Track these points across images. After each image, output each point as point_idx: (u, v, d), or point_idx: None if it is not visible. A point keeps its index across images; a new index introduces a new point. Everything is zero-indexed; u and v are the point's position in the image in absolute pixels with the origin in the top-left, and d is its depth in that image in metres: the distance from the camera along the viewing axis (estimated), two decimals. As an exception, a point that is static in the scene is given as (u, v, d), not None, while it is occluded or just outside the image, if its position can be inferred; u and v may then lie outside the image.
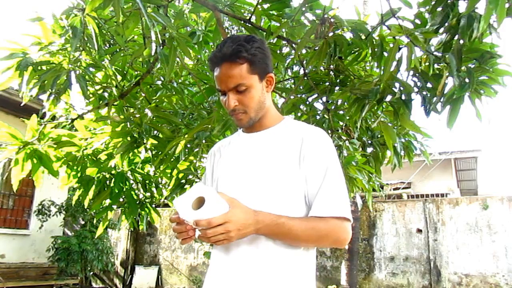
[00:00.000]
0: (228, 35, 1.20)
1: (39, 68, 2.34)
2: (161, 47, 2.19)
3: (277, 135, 1.21)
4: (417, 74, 2.12)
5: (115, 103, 2.76)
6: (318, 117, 2.84)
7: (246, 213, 1.04)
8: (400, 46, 1.99)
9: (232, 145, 1.30)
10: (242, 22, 2.40)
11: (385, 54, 2.09)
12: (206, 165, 1.38)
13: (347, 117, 2.64)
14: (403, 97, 2.14)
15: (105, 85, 2.86)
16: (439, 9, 1.90)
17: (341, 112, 2.78)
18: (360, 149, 2.99)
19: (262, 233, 1.06)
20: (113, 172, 2.85)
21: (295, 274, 1.09)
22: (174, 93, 2.87)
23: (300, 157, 1.14)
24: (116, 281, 10.43)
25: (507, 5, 1.52)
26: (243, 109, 1.17)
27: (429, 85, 2.11)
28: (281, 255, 1.09)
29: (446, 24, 1.90)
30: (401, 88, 2.13)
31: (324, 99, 2.67)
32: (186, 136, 2.47)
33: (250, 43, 1.13)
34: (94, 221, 7.72)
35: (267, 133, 1.23)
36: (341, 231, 1.11)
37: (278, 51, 2.73)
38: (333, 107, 2.76)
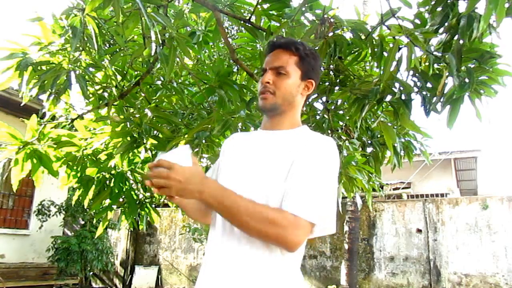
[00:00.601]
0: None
1: (39, 68, 2.34)
2: (161, 47, 2.19)
3: (288, 139, 1.19)
4: (417, 74, 2.12)
5: (115, 103, 2.76)
6: (318, 117, 2.84)
7: (196, 173, 1.02)
8: (400, 46, 1.99)
9: (247, 137, 1.31)
10: (242, 22, 2.41)
11: (385, 54, 2.10)
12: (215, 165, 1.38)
13: (347, 117, 2.64)
14: (403, 97, 2.14)
15: (105, 85, 2.86)
16: (439, 9, 1.90)
17: (341, 112, 2.79)
18: (360, 149, 2.99)
19: (204, 198, 1.01)
20: (113, 172, 2.85)
21: (271, 279, 1.06)
22: (174, 93, 2.87)
23: (293, 159, 1.12)
24: (116, 281, 10.43)
25: (506, 5, 1.52)
26: (274, 89, 1.20)
27: (429, 85, 2.11)
28: (258, 259, 1.06)
29: (446, 24, 1.90)
30: (401, 88, 2.13)
31: (324, 99, 2.68)
32: (186, 136, 2.47)
33: (308, 48, 1.24)
34: (94, 221, 7.71)
35: (281, 134, 1.22)
36: (290, 228, 1.01)
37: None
38: (333, 107, 2.76)
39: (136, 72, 2.97)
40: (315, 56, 1.26)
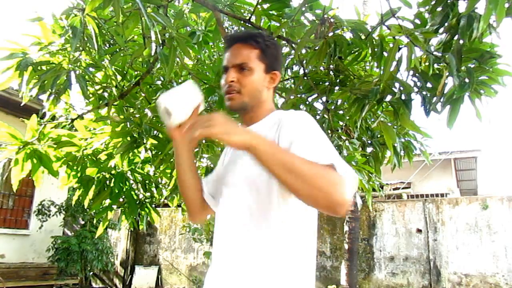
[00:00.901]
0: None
1: (39, 68, 2.34)
2: (161, 47, 2.19)
3: (263, 127, 1.17)
4: (417, 74, 2.12)
5: (115, 103, 2.76)
6: (318, 117, 2.84)
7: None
8: (400, 46, 1.99)
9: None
10: (242, 22, 2.41)
11: (385, 54, 2.10)
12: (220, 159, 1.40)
13: (347, 117, 2.64)
14: (403, 97, 2.14)
15: (105, 85, 2.86)
16: (439, 9, 1.90)
17: (341, 112, 2.79)
18: (360, 149, 2.99)
19: (255, 144, 0.92)
20: (113, 172, 2.85)
21: (286, 277, 1.03)
22: (174, 93, 2.86)
23: (277, 136, 1.09)
24: (116, 281, 10.43)
25: (506, 5, 1.52)
26: (239, 88, 1.15)
27: (429, 85, 2.11)
28: (274, 258, 1.03)
29: (446, 24, 1.90)
30: (401, 88, 2.13)
31: (324, 99, 2.67)
32: (186, 136, 2.46)
33: (266, 38, 1.19)
34: (94, 221, 7.72)
35: (256, 126, 1.20)
36: (335, 182, 0.90)
37: (278, 51, 2.73)
38: (333, 107, 2.76)
39: (136, 72, 2.97)
40: (276, 46, 1.22)
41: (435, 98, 2.03)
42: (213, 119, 0.94)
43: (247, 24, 2.38)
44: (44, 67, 2.35)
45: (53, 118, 2.85)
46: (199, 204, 1.32)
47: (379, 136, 3.03)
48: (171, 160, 2.66)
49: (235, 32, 1.20)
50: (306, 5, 2.23)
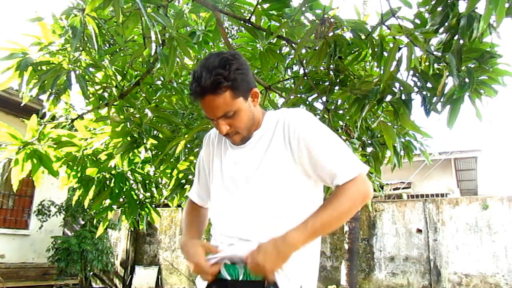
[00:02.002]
0: (208, 57, 1.15)
1: (39, 68, 2.34)
2: (161, 47, 2.19)
3: (265, 131, 1.24)
4: (417, 74, 2.12)
5: (115, 103, 2.76)
6: (318, 116, 2.84)
7: (273, 241, 1.08)
8: (400, 46, 1.99)
9: (223, 151, 1.31)
10: (242, 22, 2.41)
11: (385, 54, 2.10)
12: (202, 153, 1.40)
13: (347, 117, 2.64)
14: (403, 97, 2.14)
15: (105, 85, 2.86)
16: (439, 9, 1.90)
17: (341, 112, 2.78)
18: (360, 149, 2.99)
19: (304, 243, 1.09)
20: (113, 172, 2.85)
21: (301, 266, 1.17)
22: (174, 93, 2.87)
23: (285, 143, 1.18)
24: (116, 281, 10.42)
25: (506, 5, 1.52)
26: (235, 131, 1.19)
27: (429, 85, 2.11)
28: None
29: (446, 24, 1.90)
30: (401, 88, 2.13)
31: (324, 99, 2.67)
32: (186, 136, 2.47)
33: (227, 68, 1.10)
34: (94, 221, 7.71)
35: (258, 133, 1.25)
36: (362, 187, 1.13)
37: (278, 51, 2.73)
38: (333, 107, 2.76)
39: (136, 72, 2.97)
40: (238, 67, 1.13)
41: (435, 98, 2.03)
42: (260, 262, 1.05)
43: (247, 24, 2.38)
44: (44, 67, 2.35)
45: (53, 118, 2.85)
46: (204, 199, 1.45)
47: (379, 136, 3.03)
48: (171, 160, 2.66)
49: (195, 82, 1.13)
50: (306, 5, 2.23)
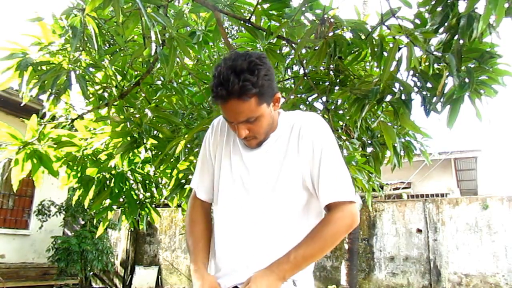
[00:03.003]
0: (229, 58, 1.09)
1: (39, 68, 2.34)
2: (161, 47, 2.19)
3: (280, 134, 1.23)
4: (417, 74, 2.12)
5: (115, 103, 2.76)
6: (318, 117, 2.83)
7: (258, 276, 1.10)
8: (400, 46, 1.99)
9: (233, 149, 1.28)
10: (242, 22, 2.41)
11: (385, 54, 2.09)
12: (209, 142, 1.34)
13: (347, 117, 2.64)
14: (403, 97, 2.14)
15: (105, 85, 2.86)
16: (439, 9, 1.90)
17: (341, 112, 2.79)
18: (360, 149, 2.99)
19: (290, 275, 1.11)
20: (113, 172, 2.85)
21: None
22: (174, 93, 2.87)
23: (298, 152, 1.19)
24: (116, 281, 10.42)
25: (506, 5, 1.52)
26: (254, 135, 1.18)
27: (429, 85, 2.11)
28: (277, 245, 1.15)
29: (446, 24, 1.90)
30: (401, 88, 2.13)
31: (324, 99, 2.67)
32: (186, 136, 2.47)
33: (255, 74, 1.06)
34: (94, 221, 7.71)
35: (274, 135, 1.23)
36: (347, 218, 1.14)
37: (278, 51, 2.73)
38: (333, 107, 2.76)
39: (136, 72, 2.97)
40: (266, 73, 1.09)
41: (435, 98, 2.03)
42: None
43: (247, 24, 2.38)
44: (44, 67, 2.35)
45: (53, 118, 2.85)
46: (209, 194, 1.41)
47: (379, 136, 3.03)
48: (171, 160, 2.66)
49: (220, 84, 1.06)
50: (306, 5, 2.23)
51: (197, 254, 1.25)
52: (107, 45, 3.23)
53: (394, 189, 12.06)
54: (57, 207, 7.72)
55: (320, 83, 2.66)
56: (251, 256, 1.15)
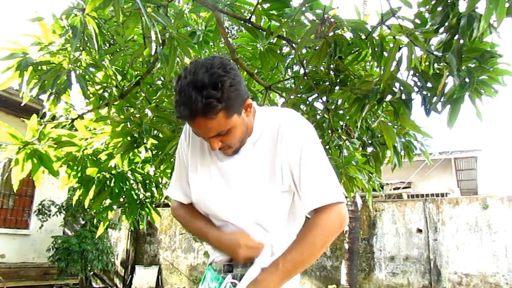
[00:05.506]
0: (191, 69, 1.02)
1: (39, 68, 2.34)
2: (161, 47, 2.19)
3: (258, 137, 1.16)
4: (417, 74, 2.12)
5: (115, 103, 2.76)
6: (318, 116, 2.84)
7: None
8: (400, 46, 1.99)
9: (209, 157, 1.22)
10: (242, 22, 2.41)
11: (385, 54, 2.09)
12: (182, 147, 1.28)
13: (347, 117, 2.64)
14: (403, 97, 2.14)
15: (105, 85, 2.86)
16: (439, 8, 1.90)
17: (341, 111, 2.78)
18: (360, 148, 2.99)
19: (279, 285, 1.06)
20: (113, 172, 2.85)
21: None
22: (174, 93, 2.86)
23: (279, 153, 1.12)
24: (116, 281, 10.43)
25: (507, 5, 1.52)
26: (228, 146, 1.12)
27: (429, 84, 2.11)
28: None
29: (446, 24, 1.90)
30: (401, 88, 2.13)
31: (324, 98, 2.67)
32: (186, 136, 2.46)
33: (219, 87, 0.97)
34: (94, 221, 7.71)
35: (251, 139, 1.17)
36: (335, 220, 1.08)
37: (278, 51, 2.73)
38: (333, 107, 2.76)
39: (136, 72, 2.97)
40: (231, 83, 1.00)
41: (435, 98, 2.03)
42: None
43: (247, 24, 2.38)
44: (44, 67, 2.35)
45: (53, 118, 2.85)
46: None
47: (379, 136, 3.03)
48: (171, 160, 2.66)
49: (183, 103, 0.99)
50: (306, 5, 2.23)
51: (208, 226, 1.21)
52: (107, 45, 3.22)
53: (394, 189, 12.06)
54: (57, 207, 7.72)
55: (320, 83, 2.66)
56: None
